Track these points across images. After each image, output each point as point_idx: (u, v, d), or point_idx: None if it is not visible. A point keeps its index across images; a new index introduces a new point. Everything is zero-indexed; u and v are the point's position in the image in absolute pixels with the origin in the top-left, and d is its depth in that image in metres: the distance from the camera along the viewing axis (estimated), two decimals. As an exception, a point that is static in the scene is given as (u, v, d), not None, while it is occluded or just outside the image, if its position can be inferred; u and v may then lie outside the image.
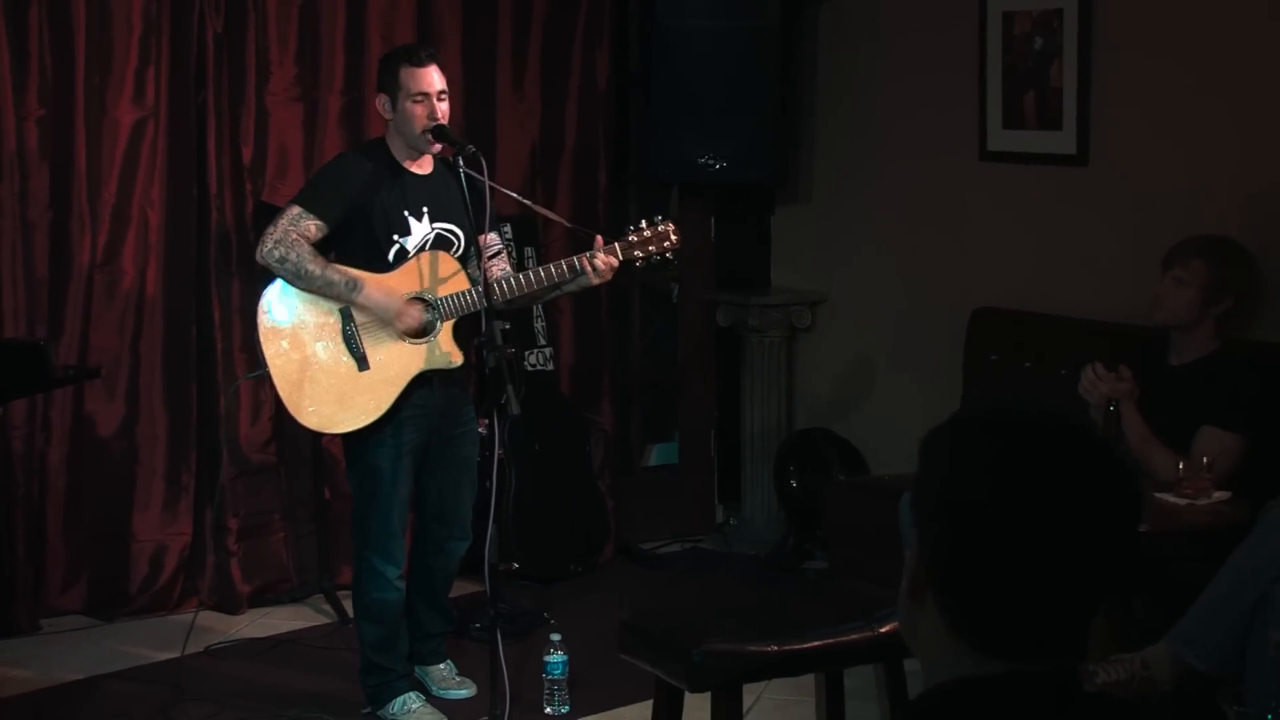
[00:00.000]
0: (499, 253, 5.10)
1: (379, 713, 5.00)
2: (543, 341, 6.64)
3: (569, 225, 5.69)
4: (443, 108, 4.92)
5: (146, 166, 5.95)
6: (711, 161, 6.73)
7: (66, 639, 5.83)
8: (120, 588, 6.04)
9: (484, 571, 4.83)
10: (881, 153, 6.68)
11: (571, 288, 5.07)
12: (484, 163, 4.78)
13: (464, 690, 5.28)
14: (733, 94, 6.68)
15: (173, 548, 6.10)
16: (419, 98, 4.89)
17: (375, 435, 4.93)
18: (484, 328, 4.76)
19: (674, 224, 5.07)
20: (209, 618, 5.91)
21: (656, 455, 7.55)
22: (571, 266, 4.94)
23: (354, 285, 4.84)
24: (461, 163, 4.80)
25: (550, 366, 6.67)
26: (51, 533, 5.94)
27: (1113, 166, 5.79)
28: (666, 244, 5.05)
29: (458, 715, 5.00)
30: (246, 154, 6.09)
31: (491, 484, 4.83)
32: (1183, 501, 4.51)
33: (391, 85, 4.92)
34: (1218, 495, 4.54)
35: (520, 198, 5.43)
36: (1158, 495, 4.52)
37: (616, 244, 4.98)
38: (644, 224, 5.04)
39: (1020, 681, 1.71)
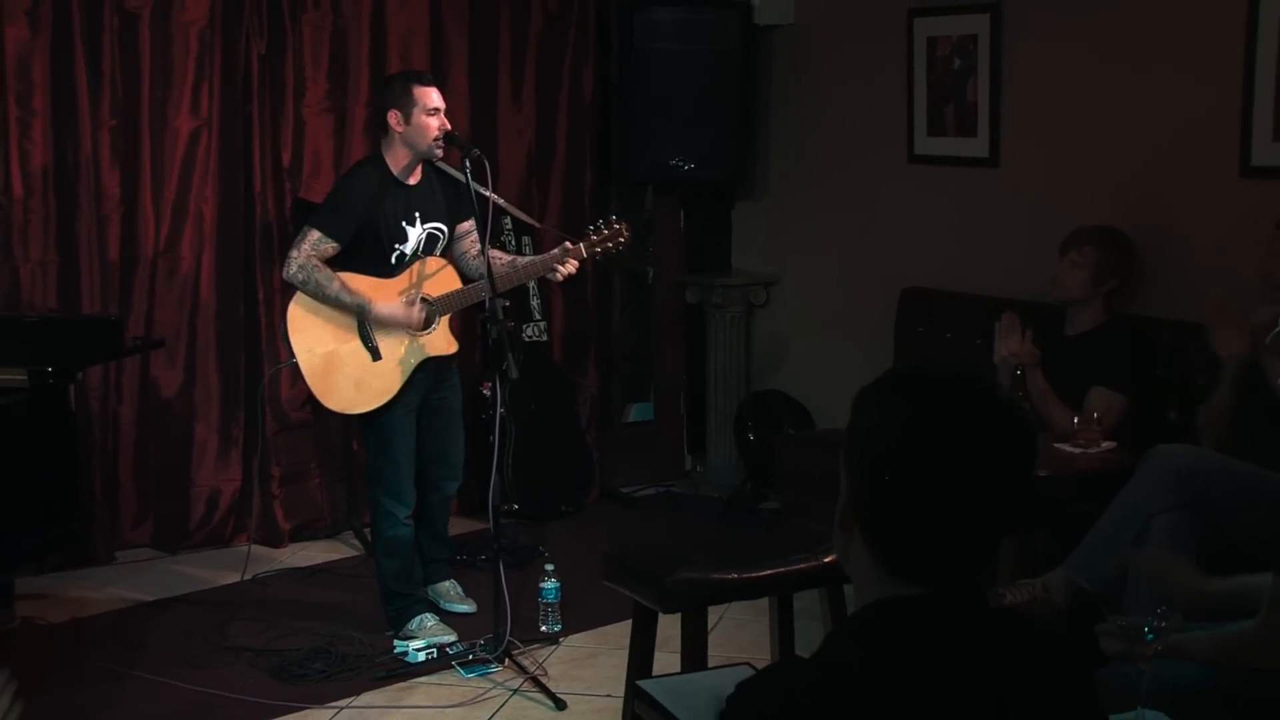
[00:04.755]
0: (473, 232, 5.11)
1: (400, 632, 5.03)
2: (538, 317, 6.64)
3: (534, 223, 5.78)
4: (445, 121, 4.95)
5: (201, 168, 5.95)
6: (681, 163, 6.73)
7: (137, 568, 5.85)
8: (182, 525, 6.06)
9: (489, 512, 4.86)
10: (825, 156, 6.69)
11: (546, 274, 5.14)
12: (487, 164, 4.80)
13: (466, 605, 5.30)
14: (699, 106, 6.68)
15: (225, 491, 6.13)
16: (433, 111, 4.87)
17: None
18: (487, 305, 4.78)
19: (625, 223, 5.10)
20: (256, 551, 5.90)
21: (635, 413, 7.56)
22: (546, 264, 5.01)
23: (362, 308, 4.83)
24: (468, 164, 4.79)
25: (544, 338, 6.67)
26: (123, 479, 5.96)
27: (1019, 168, 5.81)
28: (621, 239, 5.07)
29: (466, 632, 5.02)
30: (286, 157, 6.09)
31: (494, 438, 4.83)
32: (1077, 450, 4.53)
33: (405, 101, 4.86)
34: (1106, 445, 4.56)
35: (500, 199, 5.40)
36: (1056, 445, 4.55)
37: (581, 245, 5.01)
38: (601, 224, 5.07)
39: (938, 602, 1.72)
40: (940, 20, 6.03)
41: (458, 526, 6.40)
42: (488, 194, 4.91)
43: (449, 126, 4.92)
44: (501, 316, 4.75)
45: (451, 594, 5.36)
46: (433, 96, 4.88)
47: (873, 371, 1.83)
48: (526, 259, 5.17)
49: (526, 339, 6.56)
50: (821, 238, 6.76)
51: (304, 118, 6.14)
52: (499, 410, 4.80)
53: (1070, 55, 5.58)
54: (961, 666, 1.69)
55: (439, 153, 4.92)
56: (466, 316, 6.46)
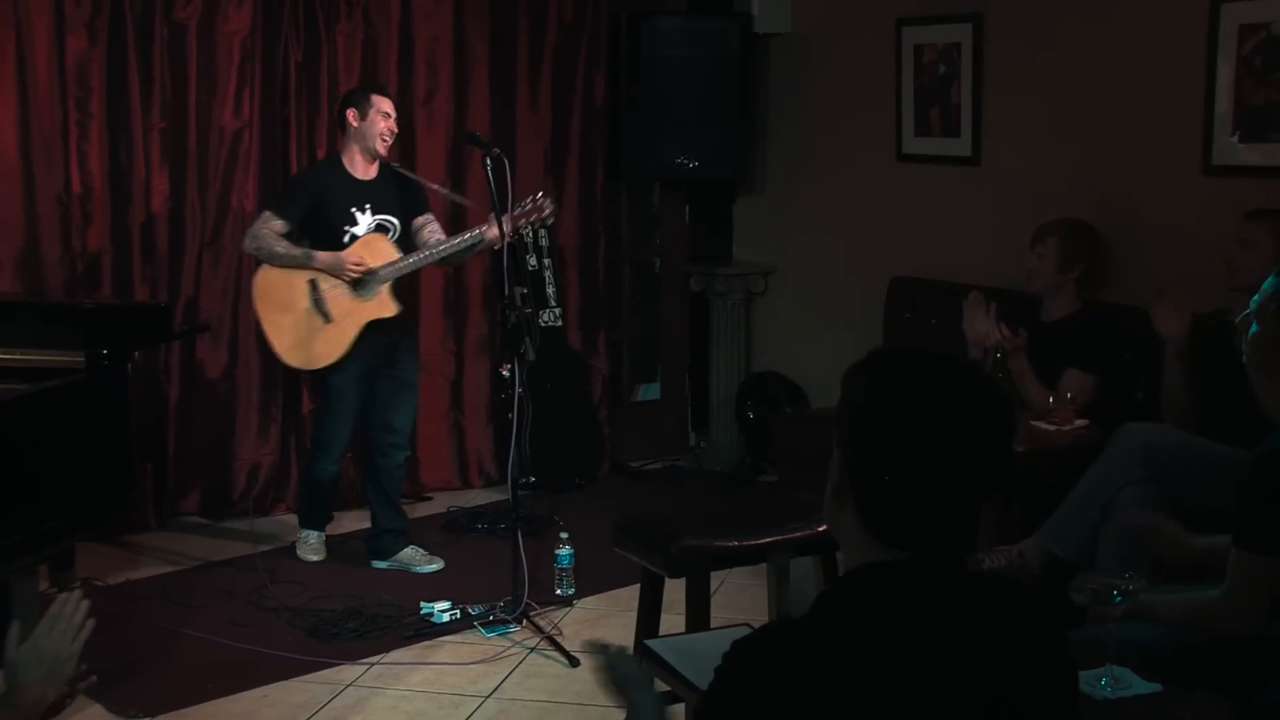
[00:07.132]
0: (431, 223, 5.39)
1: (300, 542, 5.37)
2: (554, 303, 6.65)
3: (465, 203, 5.85)
4: (393, 125, 5.24)
5: (243, 166, 5.96)
6: (686, 162, 6.73)
7: (185, 534, 5.88)
8: (225, 495, 6.09)
9: (508, 484, 4.87)
10: (819, 154, 6.69)
11: (482, 248, 5.25)
12: (506, 163, 4.83)
13: (433, 564, 5.42)
14: (702, 109, 6.67)
15: (265, 464, 6.15)
16: (385, 114, 5.20)
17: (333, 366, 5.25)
18: (507, 292, 4.81)
19: (549, 199, 5.22)
20: (293, 519, 5.93)
21: (643, 393, 7.56)
22: (474, 235, 5.16)
23: (308, 255, 5.14)
24: (489, 162, 4.83)
25: (559, 323, 6.69)
26: (172, 453, 5.99)
27: (999, 166, 5.81)
28: (547, 213, 5.21)
29: (482, 595, 5.03)
30: (321, 156, 6.09)
31: (513, 416, 4.84)
32: (1052, 428, 4.52)
33: (363, 103, 5.22)
34: (1079, 423, 4.55)
35: (442, 189, 5.59)
36: (1033, 423, 4.55)
37: (509, 215, 5.06)
38: (528, 200, 5.18)
39: (920, 566, 1.73)
40: (926, 29, 6.02)
41: (480, 498, 6.44)
42: (427, 184, 5.32)
43: (396, 130, 5.23)
44: (520, 304, 4.81)
45: (417, 558, 5.44)
46: (387, 103, 5.24)
47: (862, 354, 1.83)
48: (459, 236, 5.26)
49: (543, 324, 6.58)
50: (816, 231, 6.76)
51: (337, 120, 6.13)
52: (517, 390, 4.83)
53: (1047, 62, 5.57)
54: (944, 625, 1.70)
55: (383, 150, 5.20)
56: (488, 303, 6.50)
